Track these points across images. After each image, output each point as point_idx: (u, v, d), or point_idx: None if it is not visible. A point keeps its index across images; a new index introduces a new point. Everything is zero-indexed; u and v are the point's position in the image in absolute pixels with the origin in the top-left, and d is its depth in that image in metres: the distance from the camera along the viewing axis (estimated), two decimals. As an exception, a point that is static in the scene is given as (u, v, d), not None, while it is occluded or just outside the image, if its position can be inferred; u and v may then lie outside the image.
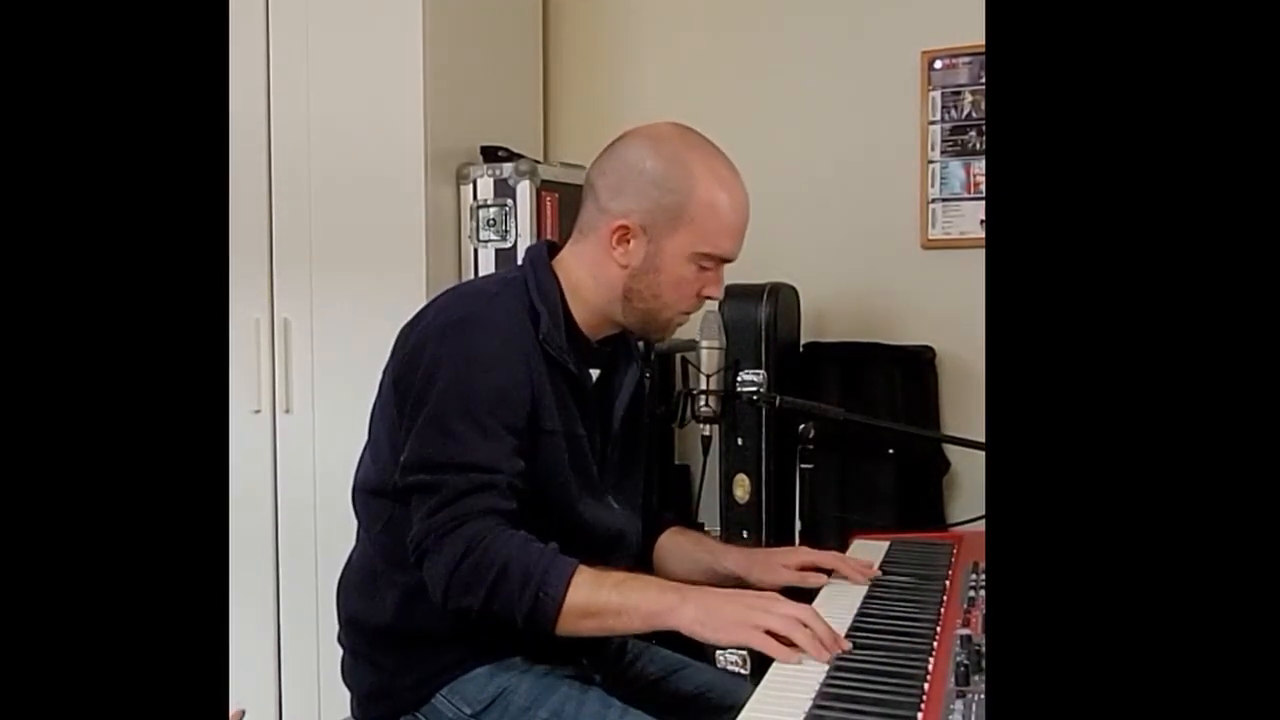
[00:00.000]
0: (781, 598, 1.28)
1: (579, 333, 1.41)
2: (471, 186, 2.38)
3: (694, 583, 1.44)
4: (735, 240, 1.40)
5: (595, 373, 1.45)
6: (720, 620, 1.21)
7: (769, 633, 1.18)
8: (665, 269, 1.38)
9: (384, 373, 1.41)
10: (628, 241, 1.38)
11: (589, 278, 1.41)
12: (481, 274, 2.32)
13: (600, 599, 1.23)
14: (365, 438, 1.45)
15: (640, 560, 1.57)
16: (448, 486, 1.26)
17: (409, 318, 1.42)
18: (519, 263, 1.49)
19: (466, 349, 1.31)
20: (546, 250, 1.46)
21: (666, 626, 1.26)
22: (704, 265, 1.39)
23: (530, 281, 1.40)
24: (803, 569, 1.52)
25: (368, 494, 1.42)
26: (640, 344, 1.57)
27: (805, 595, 1.46)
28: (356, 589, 1.42)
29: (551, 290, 1.39)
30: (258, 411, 2.42)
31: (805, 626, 1.18)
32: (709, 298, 1.43)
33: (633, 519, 1.49)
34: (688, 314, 1.44)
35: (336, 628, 1.46)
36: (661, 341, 1.50)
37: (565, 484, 1.36)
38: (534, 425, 1.32)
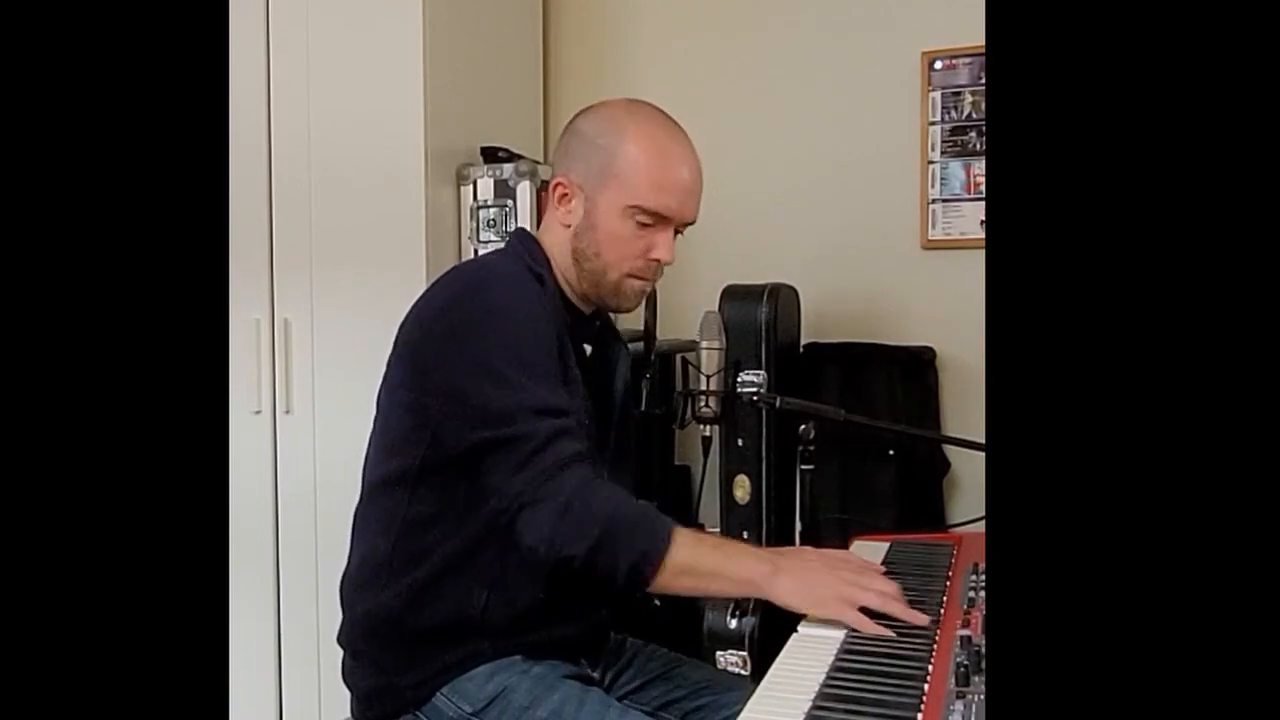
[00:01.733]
0: (872, 570, 1.29)
1: (570, 303, 1.44)
2: (472, 187, 2.38)
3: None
4: (669, 196, 1.39)
5: (588, 348, 1.46)
6: (816, 594, 1.22)
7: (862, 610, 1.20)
8: (601, 225, 1.40)
9: (390, 362, 1.40)
10: (569, 201, 1.42)
11: (552, 244, 1.45)
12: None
13: (700, 560, 1.25)
14: (366, 438, 1.44)
15: None
16: (527, 437, 1.25)
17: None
18: (507, 244, 1.52)
19: (496, 301, 1.32)
20: (528, 234, 1.49)
21: (760, 595, 1.26)
22: (641, 221, 1.38)
23: (522, 252, 1.43)
24: None
25: (381, 486, 1.39)
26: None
27: None
28: (361, 586, 1.42)
29: (541, 258, 1.43)
30: (258, 412, 2.42)
31: (898, 602, 1.21)
32: (657, 260, 1.42)
33: None
34: (640, 279, 1.43)
35: (336, 628, 1.46)
36: (620, 311, 1.49)
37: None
38: (565, 374, 1.34)
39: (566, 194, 1.42)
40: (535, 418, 1.26)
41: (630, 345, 2.16)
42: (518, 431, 1.25)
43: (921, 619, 1.20)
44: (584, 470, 1.26)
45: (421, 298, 1.42)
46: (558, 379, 1.31)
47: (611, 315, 1.56)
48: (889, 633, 1.18)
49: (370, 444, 1.44)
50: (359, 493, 1.45)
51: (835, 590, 1.22)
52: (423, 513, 1.34)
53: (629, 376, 1.56)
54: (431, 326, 1.35)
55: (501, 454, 1.26)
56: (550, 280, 1.40)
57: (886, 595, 1.22)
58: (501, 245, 1.58)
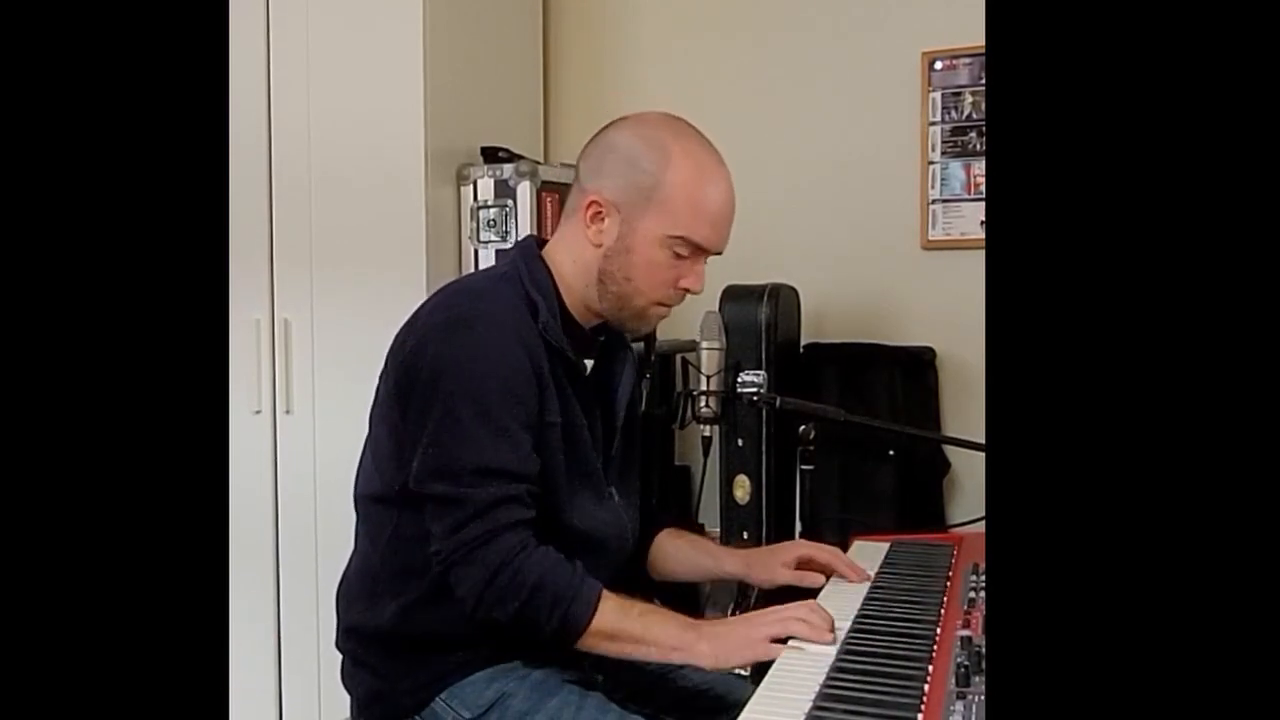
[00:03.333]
0: (776, 607, 1.30)
1: (573, 321, 1.41)
2: (472, 187, 2.38)
3: (692, 584, 1.44)
4: (712, 229, 1.37)
5: (589, 363, 1.45)
6: (730, 647, 1.25)
7: (774, 641, 1.23)
8: (637, 250, 1.36)
9: (381, 378, 1.40)
10: (601, 219, 1.37)
11: (570, 260, 1.41)
12: (482, 275, 2.32)
13: (624, 627, 1.27)
14: (365, 440, 1.44)
15: (636, 559, 1.57)
16: (470, 500, 1.26)
17: (405, 319, 1.41)
18: (510, 258, 1.48)
19: (470, 345, 1.30)
20: (535, 244, 1.45)
21: (683, 662, 1.31)
22: (679, 252, 1.36)
23: (523, 273, 1.39)
24: (800, 566, 1.52)
25: (371, 501, 1.41)
26: (644, 342, 1.57)
27: (805, 595, 1.47)
28: (356, 597, 1.42)
29: (544, 279, 1.39)
30: (258, 412, 2.42)
31: (801, 621, 1.23)
32: (687, 290, 1.40)
33: (631, 512, 1.49)
34: (665, 306, 1.41)
35: (335, 632, 1.46)
36: (639, 334, 1.48)
37: (556, 480, 1.35)
38: (539, 418, 1.32)
39: (601, 213, 1.37)
40: (482, 479, 1.26)
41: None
42: (461, 494, 1.26)
43: (826, 636, 1.22)
44: (519, 536, 1.27)
45: (415, 315, 1.39)
46: (523, 430, 1.30)
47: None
48: (787, 650, 1.21)
49: (364, 452, 1.44)
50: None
51: (743, 635, 1.26)
52: (408, 532, 1.34)
53: (635, 385, 1.54)
54: (417, 356, 1.33)
55: (443, 509, 1.28)
56: (549, 303, 1.37)
57: (785, 619, 1.24)
58: (502, 245, 1.59)
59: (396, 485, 1.33)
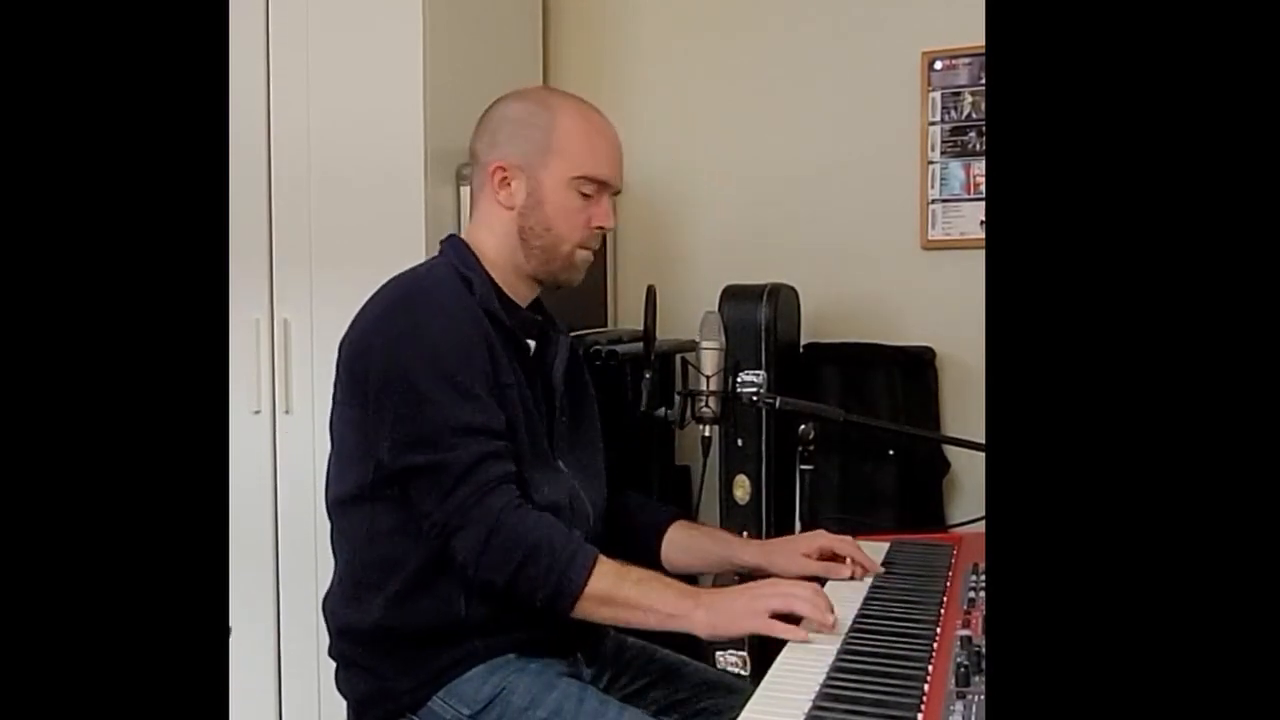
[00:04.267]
0: (780, 580, 1.31)
1: (507, 299, 1.45)
2: (471, 187, 2.37)
3: (709, 577, 1.44)
4: (609, 165, 1.46)
5: (532, 343, 1.47)
6: (728, 617, 1.25)
7: (775, 616, 1.22)
8: (548, 199, 1.44)
9: (335, 381, 1.41)
10: (509, 184, 1.45)
11: (489, 235, 1.46)
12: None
13: (621, 592, 1.27)
14: (329, 450, 1.44)
15: (639, 552, 1.56)
16: (452, 463, 1.28)
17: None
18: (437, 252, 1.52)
19: (418, 319, 1.34)
20: (457, 237, 1.51)
21: (680, 629, 1.29)
22: (584, 191, 1.44)
23: (452, 258, 1.45)
24: (822, 558, 1.52)
25: (343, 504, 1.41)
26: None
27: (821, 584, 1.47)
28: (342, 599, 1.42)
29: (472, 261, 1.44)
30: (258, 412, 2.42)
31: (804, 600, 1.23)
32: (601, 227, 1.47)
33: (589, 487, 1.49)
34: (587, 249, 1.48)
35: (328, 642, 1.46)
36: (571, 283, 1.50)
37: (519, 441, 1.37)
38: (496, 380, 1.35)
39: (506, 177, 1.44)
40: (460, 439, 1.28)
41: (630, 345, 2.17)
42: (443, 458, 1.28)
43: (827, 620, 1.22)
44: (510, 492, 1.29)
45: (358, 314, 1.42)
46: (486, 392, 1.32)
47: (550, 310, 1.56)
48: (802, 634, 1.21)
49: (329, 461, 1.44)
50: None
51: (743, 606, 1.25)
52: (385, 526, 1.35)
53: (578, 358, 1.58)
54: (363, 345, 1.36)
55: (428, 479, 1.29)
56: (481, 281, 1.41)
57: (787, 594, 1.25)
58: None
59: (369, 477, 1.34)
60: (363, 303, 1.43)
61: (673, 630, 1.29)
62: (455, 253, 1.46)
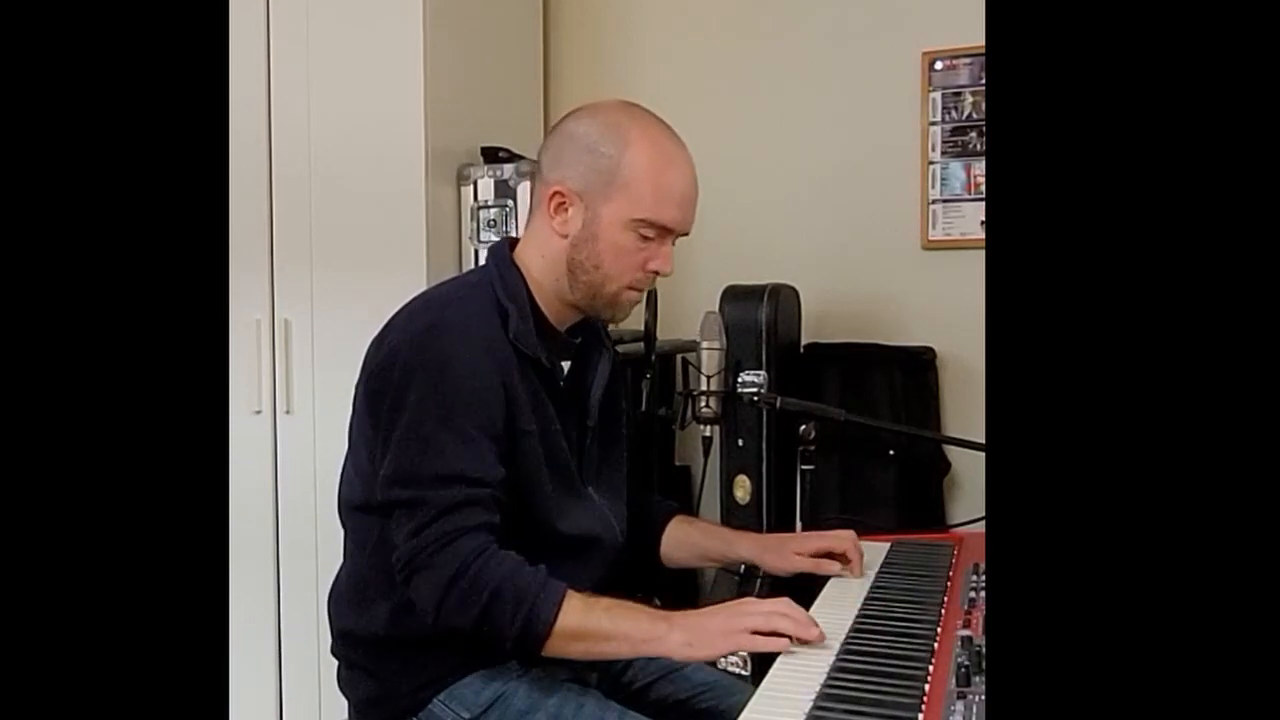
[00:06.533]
0: (754, 599, 1.30)
1: (548, 325, 1.40)
2: (472, 187, 2.38)
3: (693, 575, 1.43)
4: (676, 209, 1.36)
5: (566, 365, 1.44)
6: (706, 637, 1.23)
7: (755, 633, 1.21)
8: (603, 236, 1.35)
9: (357, 386, 1.39)
10: (565, 209, 1.37)
11: (539, 256, 1.40)
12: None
13: (591, 624, 1.24)
14: (346, 452, 1.44)
15: (639, 552, 1.56)
16: (431, 502, 1.25)
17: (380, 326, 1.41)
18: (484, 264, 1.48)
19: (439, 355, 1.29)
20: (508, 247, 1.45)
21: (656, 654, 1.28)
22: (644, 234, 1.35)
23: (495, 279, 1.39)
24: (816, 555, 1.52)
25: (354, 510, 1.40)
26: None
27: (821, 582, 1.48)
28: (348, 603, 1.42)
29: (517, 284, 1.38)
30: (258, 412, 2.42)
31: (785, 617, 1.21)
32: (656, 272, 1.39)
33: (617, 510, 1.49)
34: (636, 290, 1.41)
35: (330, 638, 1.46)
36: (615, 322, 1.47)
37: (540, 488, 1.34)
38: (511, 427, 1.31)
39: (564, 203, 1.36)
40: (441, 485, 1.25)
41: (630, 345, 2.17)
42: (424, 495, 1.25)
43: (813, 634, 1.20)
44: (482, 539, 1.25)
45: (388, 326, 1.39)
46: (486, 440, 1.28)
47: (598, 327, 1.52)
48: (784, 642, 1.19)
49: (345, 463, 1.43)
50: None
51: (722, 626, 1.23)
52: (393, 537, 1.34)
53: (618, 379, 1.53)
54: (386, 363, 1.33)
55: (403, 515, 1.27)
56: (519, 310, 1.36)
57: (769, 614, 1.22)
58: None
59: (374, 495, 1.32)
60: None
61: (649, 656, 1.26)
62: (499, 271, 1.40)
